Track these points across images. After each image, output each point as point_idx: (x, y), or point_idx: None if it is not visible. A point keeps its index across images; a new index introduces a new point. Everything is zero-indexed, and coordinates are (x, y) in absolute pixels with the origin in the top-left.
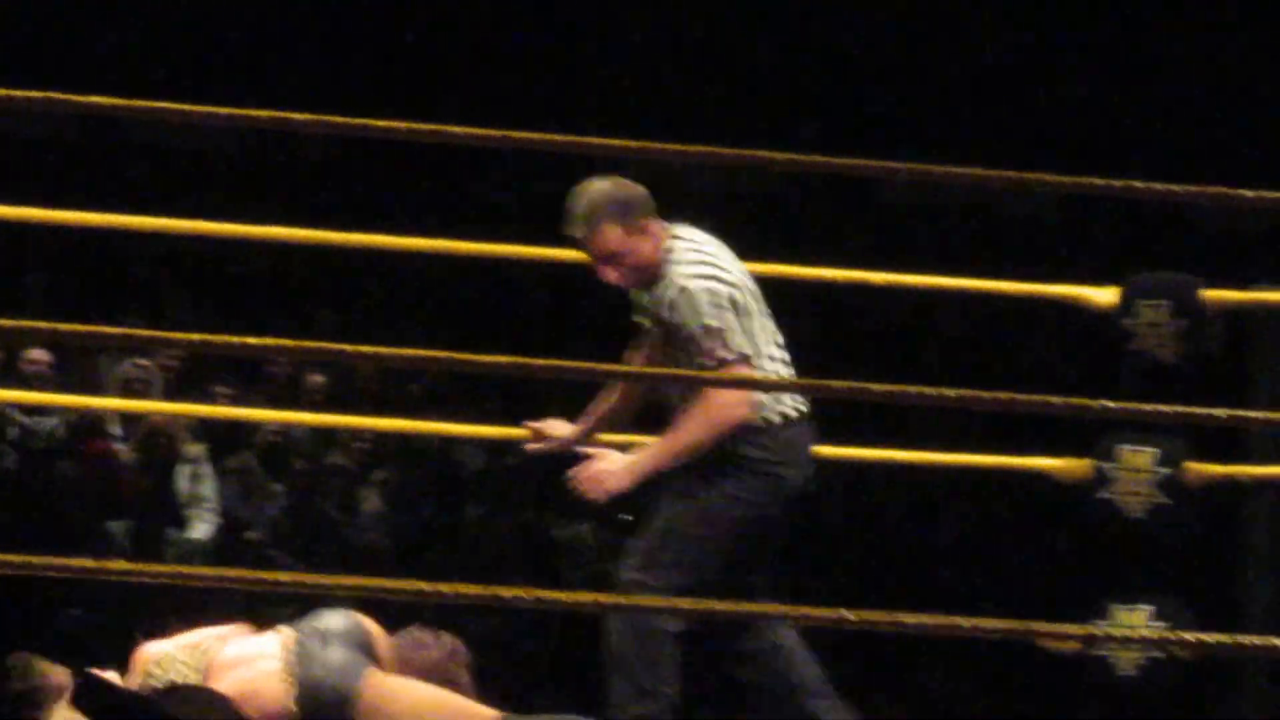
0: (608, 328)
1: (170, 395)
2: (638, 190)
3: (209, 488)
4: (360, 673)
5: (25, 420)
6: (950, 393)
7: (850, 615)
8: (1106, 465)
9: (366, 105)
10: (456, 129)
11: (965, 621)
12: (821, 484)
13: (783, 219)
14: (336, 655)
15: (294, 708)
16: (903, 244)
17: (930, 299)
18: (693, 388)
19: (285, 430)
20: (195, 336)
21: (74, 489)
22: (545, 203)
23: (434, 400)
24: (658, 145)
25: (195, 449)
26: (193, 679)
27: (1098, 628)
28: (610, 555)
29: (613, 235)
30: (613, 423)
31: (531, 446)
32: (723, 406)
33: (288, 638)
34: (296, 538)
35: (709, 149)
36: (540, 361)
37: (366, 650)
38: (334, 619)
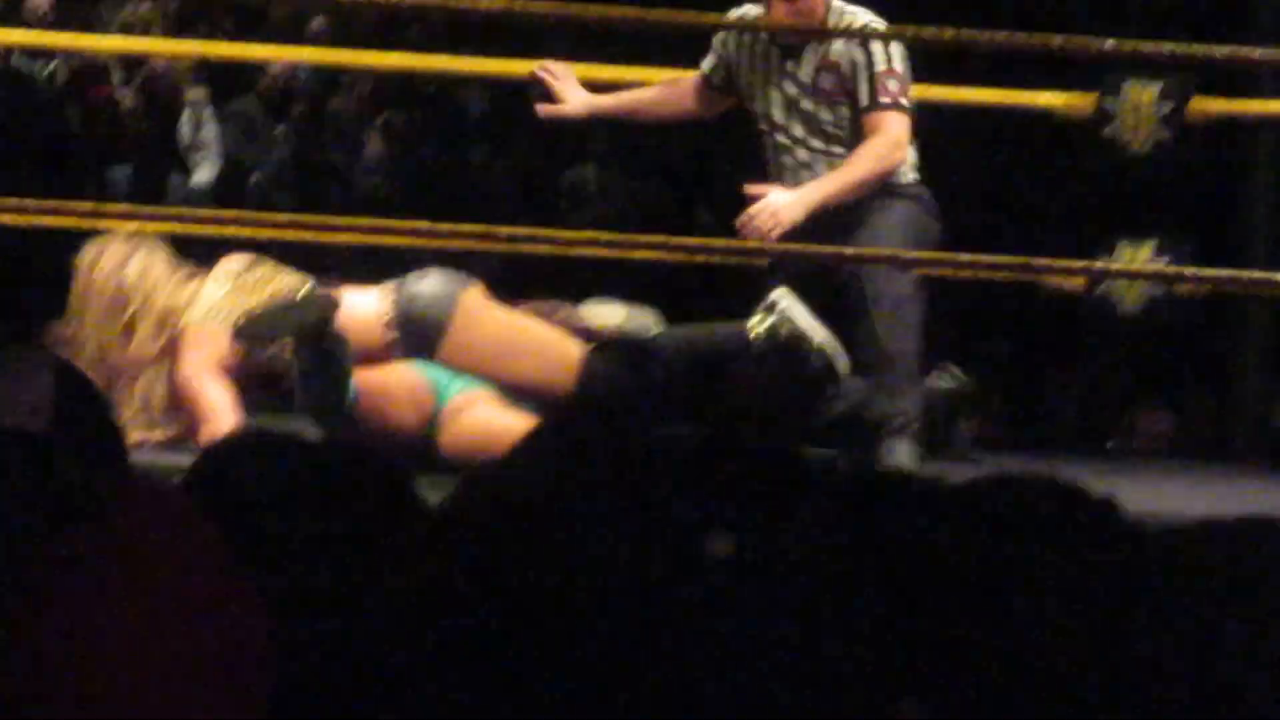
0: None
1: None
2: None
3: (211, 132)
4: (455, 293)
5: (26, 65)
6: (949, 33)
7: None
8: (1109, 101)
9: None
10: None
11: (972, 258)
12: None
13: None
14: (434, 279)
15: (390, 322)
16: None
17: None
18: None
19: (287, 72)
20: None
21: (76, 135)
22: None
23: (436, 42)
24: None
25: (197, 93)
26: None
27: (1102, 262)
28: (611, 198)
29: None
30: (630, 113)
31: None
32: (897, 145)
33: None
34: (299, 182)
35: None
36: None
37: (464, 282)
38: (435, 269)
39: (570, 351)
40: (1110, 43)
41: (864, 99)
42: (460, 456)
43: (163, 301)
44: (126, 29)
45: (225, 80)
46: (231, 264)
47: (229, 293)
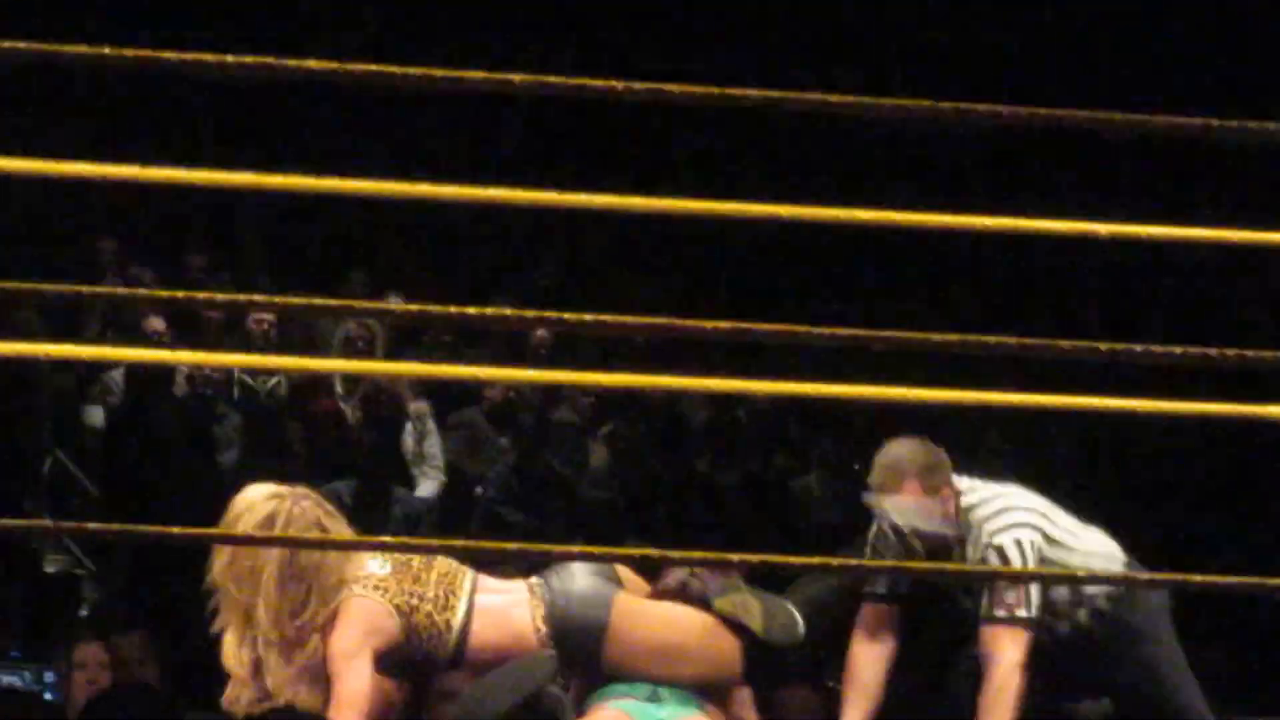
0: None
1: (391, 352)
2: (941, 454)
3: (434, 444)
4: (609, 598)
5: (248, 379)
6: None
7: None
8: None
9: None
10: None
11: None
12: None
13: None
14: (584, 581)
15: (543, 629)
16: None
17: None
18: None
19: (511, 385)
20: (412, 308)
21: (298, 448)
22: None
23: (659, 353)
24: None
25: (420, 407)
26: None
27: None
28: (836, 507)
29: (910, 494)
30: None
31: None
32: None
33: (531, 578)
34: (524, 493)
35: None
36: (764, 326)
37: (613, 578)
38: (577, 564)
39: (729, 642)
40: None
41: (982, 607)
42: None
43: (333, 571)
44: (349, 345)
45: (448, 392)
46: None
47: (393, 571)
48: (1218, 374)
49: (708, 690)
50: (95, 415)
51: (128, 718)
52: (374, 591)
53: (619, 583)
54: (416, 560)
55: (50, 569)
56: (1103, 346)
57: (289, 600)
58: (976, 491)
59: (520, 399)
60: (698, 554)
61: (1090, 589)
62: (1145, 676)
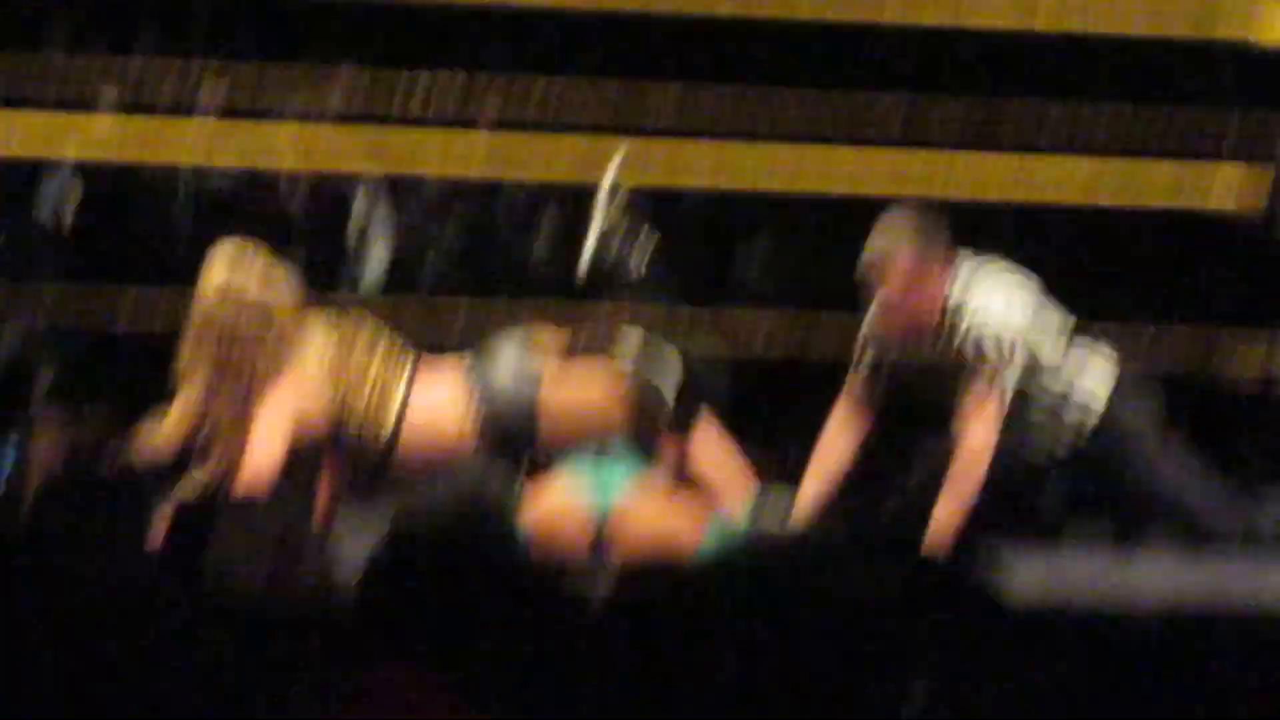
0: None
1: None
2: (940, 227)
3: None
4: (536, 375)
5: None
6: None
7: None
8: None
9: None
10: None
11: None
12: None
13: None
14: (509, 364)
15: (477, 424)
16: None
17: None
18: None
19: None
20: None
21: None
22: None
23: None
24: None
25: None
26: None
27: None
28: None
29: (904, 263)
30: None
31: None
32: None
33: (463, 362)
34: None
35: None
36: None
37: (535, 348)
38: (503, 343)
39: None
40: None
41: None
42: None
43: (271, 358)
44: None
45: None
46: (333, 320)
47: (331, 367)
48: None
49: (642, 448)
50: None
51: (83, 501)
52: (306, 385)
53: (540, 353)
54: (357, 354)
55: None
56: None
57: (227, 366)
58: (969, 273)
59: None
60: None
61: (1081, 398)
62: (1147, 477)
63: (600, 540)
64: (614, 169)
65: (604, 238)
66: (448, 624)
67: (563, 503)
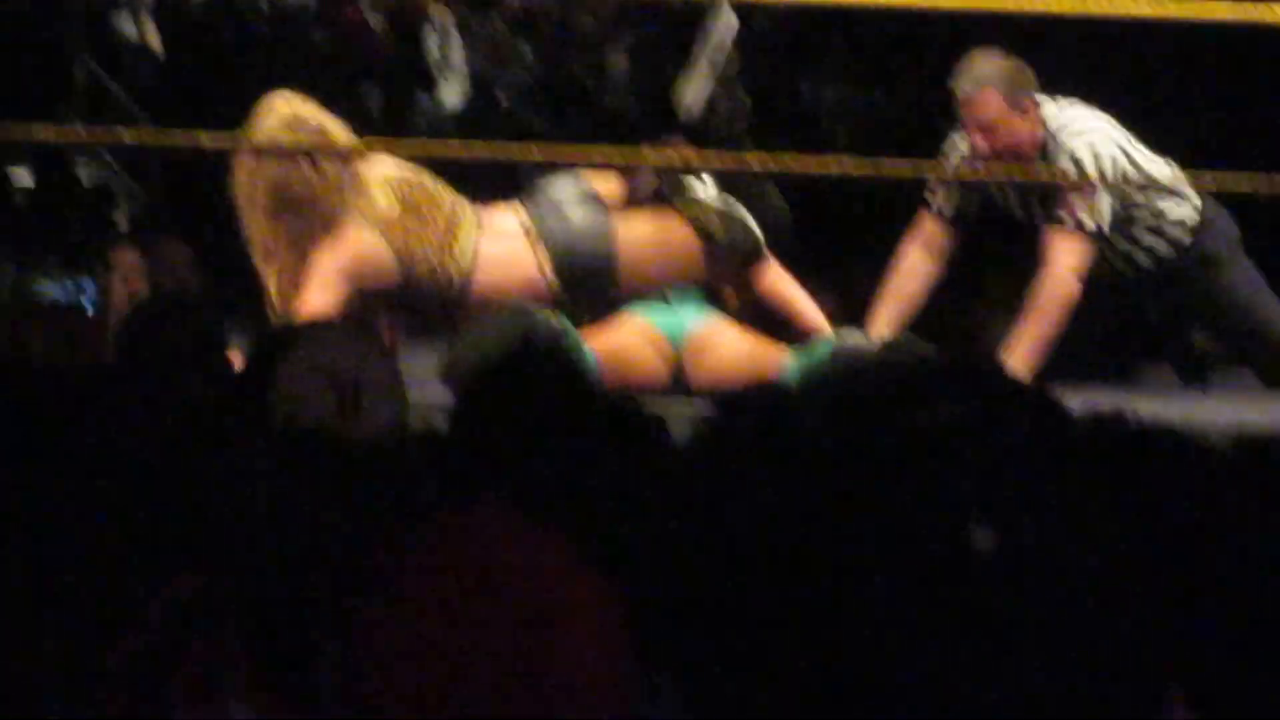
0: None
1: None
2: (1025, 67)
3: (456, 52)
4: (608, 231)
5: None
6: None
7: None
8: None
9: None
10: None
11: None
12: None
13: None
14: (579, 219)
15: (552, 278)
16: None
17: None
18: None
19: None
20: None
21: (325, 56)
22: None
23: None
24: None
25: (441, 12)
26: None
27: None
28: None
29: (995, 105)
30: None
31: None
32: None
33: (521, 213)
34: (545, 102)
35: None
36: None
37: (597, 198)
38: (562, 185)
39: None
40: None
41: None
42: (716, 389)
43: (332, 202)
44: None
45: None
46: (393, 171)
47: (400, 214)
48: None
49: (709, 290)
50: (125, 21)
51: (167, 326)
52: (373, 231)
53: (603, 202)
54: (423, 201)
55: (84, 180)
56: None
57: (284, 228)
58: (1058, 110)
59: (539, 7)
60: (716, 154)
61: (1168, 220)
62: (1228, 301)
63: (678, 369)
64: None
65: (709, 65)
66: (523, 458)
67: (636, 335)
